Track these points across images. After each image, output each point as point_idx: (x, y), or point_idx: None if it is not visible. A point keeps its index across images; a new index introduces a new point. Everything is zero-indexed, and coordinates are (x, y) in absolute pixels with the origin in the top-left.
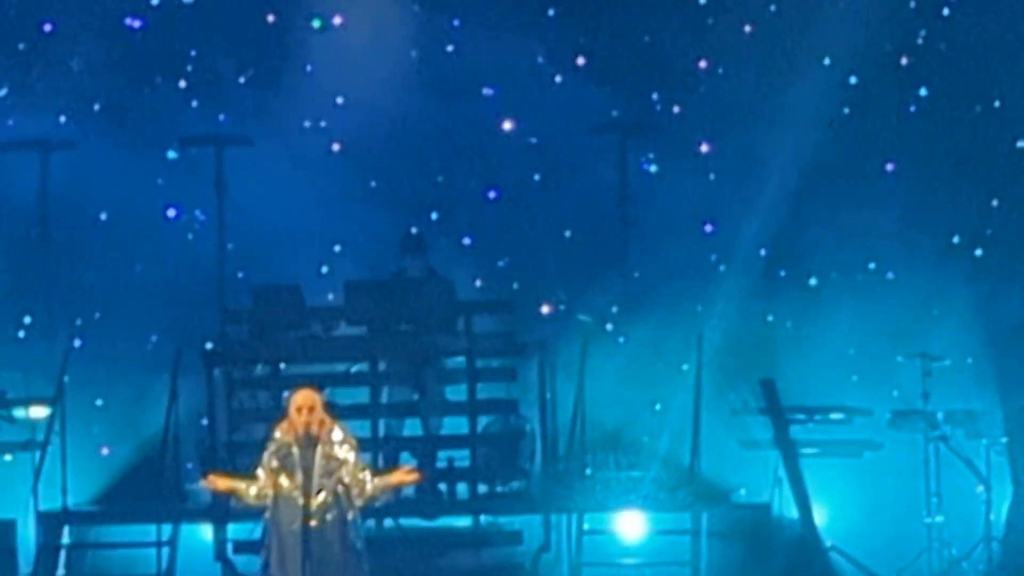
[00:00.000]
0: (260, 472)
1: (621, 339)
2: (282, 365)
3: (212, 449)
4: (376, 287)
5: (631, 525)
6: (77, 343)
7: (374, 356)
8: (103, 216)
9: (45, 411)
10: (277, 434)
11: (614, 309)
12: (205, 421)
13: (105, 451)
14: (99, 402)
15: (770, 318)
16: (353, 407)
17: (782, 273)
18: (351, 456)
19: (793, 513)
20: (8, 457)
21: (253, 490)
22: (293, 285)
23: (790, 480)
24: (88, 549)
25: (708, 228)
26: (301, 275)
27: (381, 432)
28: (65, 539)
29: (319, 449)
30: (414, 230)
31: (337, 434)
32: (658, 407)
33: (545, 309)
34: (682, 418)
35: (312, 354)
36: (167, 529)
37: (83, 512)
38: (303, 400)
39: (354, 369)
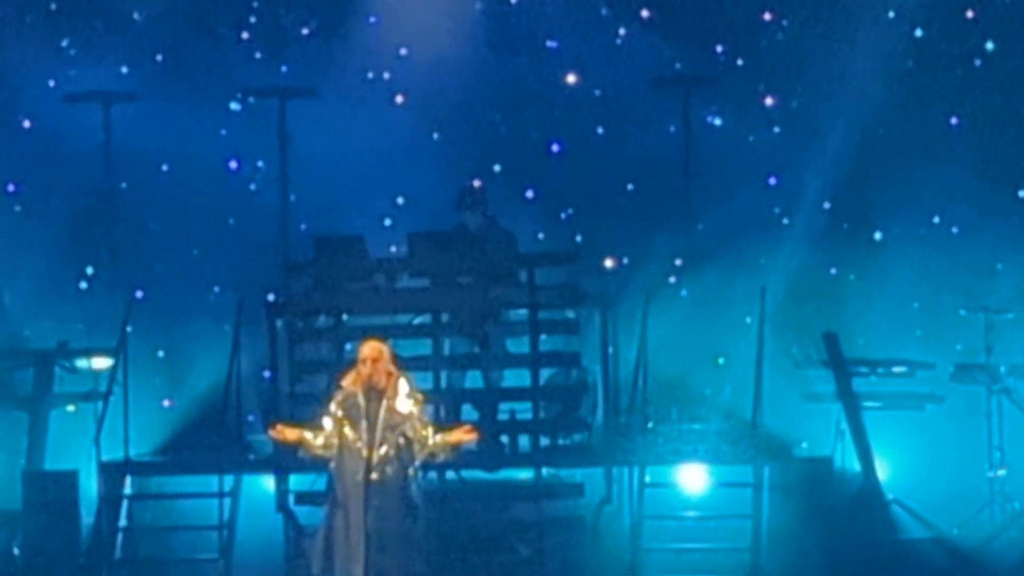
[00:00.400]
0: (326, 421)
1: (684, 292)
2: (345, 316)
3: (274, 400)
4: (439, 239)
5: (693, 478)
6: (139, 294)
7: (436, 308)
8: (165, 167)
9: (107, 362)
10: (344, 383)
11: (677, 262)
12: (267, 373)
13: (167, 403)
14: (161, 353)
15: (833, 271)
16: (415, 359)
17: (845, 226)
18: (416, 410)
19: (855, 466)
20: (71, 408)
21: (320, 440)
22: (356, 236)
23: (852, 433)
24: (150, 499)
25: (772, 181)
26: (364, 227)
27: (443, 384)
28: (127, 489)
29: (384, 402)
30: (476, 183)
31: (403, 387)
32: (721, 361)
33: (608, 263)
34: (744, 371)
35: (375, 305)
36: (229, 480)
37: (145, 463)
38: (370, 351)
39: (416, 321)
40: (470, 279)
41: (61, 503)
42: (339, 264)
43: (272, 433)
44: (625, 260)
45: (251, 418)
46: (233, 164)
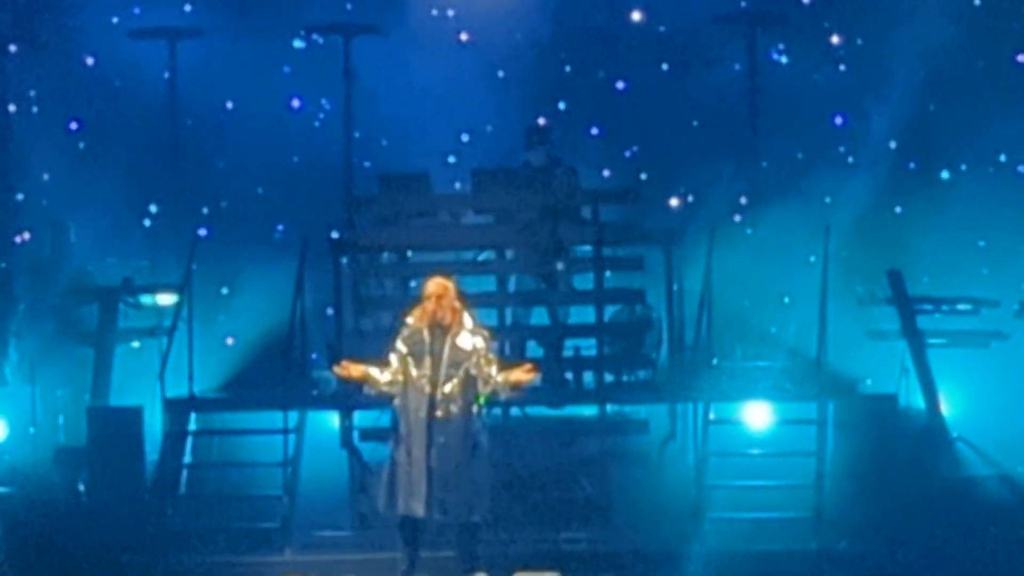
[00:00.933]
0: (392, 357)
1: (748, 230)
2: (409, 253)
3: (338, 337)
4: (504, 175)
5: (757, 415)
6: (203, 232)
7: (501, 244)
8: (229, 105)
9: (172, 298)
10: (409, 320)
11: (742, 200)
12: (331, 311)
13: (230, 341)
14: (225, 291)
15: (898, 210)
16: (480, 295)
17: (912, 165)
18: (481, 347)
19: (920, 403)
20: (135, 344)
21: (386, 376)
22: (421, 173)
23: (917, 371)
24: (215, 436)
25: (838, 120)
26: (428, 164)
27: (508, 321)
28: (192, 426)
29: (448, 338)
30: (541, 121)
31: (468, 323)
32: (786, 300)
33: (674, 203)
34: (809, 309)
35: (439, 242)
36: (293, 416)
37: (210, 399)
38: (435, 287)
39: (481, 257)
40: (534, 215)
41: (126, 439)
42: (404, 200)
43: (337, 370)
44: (690, 198)
45: (315, 356)
46: (296, 102)
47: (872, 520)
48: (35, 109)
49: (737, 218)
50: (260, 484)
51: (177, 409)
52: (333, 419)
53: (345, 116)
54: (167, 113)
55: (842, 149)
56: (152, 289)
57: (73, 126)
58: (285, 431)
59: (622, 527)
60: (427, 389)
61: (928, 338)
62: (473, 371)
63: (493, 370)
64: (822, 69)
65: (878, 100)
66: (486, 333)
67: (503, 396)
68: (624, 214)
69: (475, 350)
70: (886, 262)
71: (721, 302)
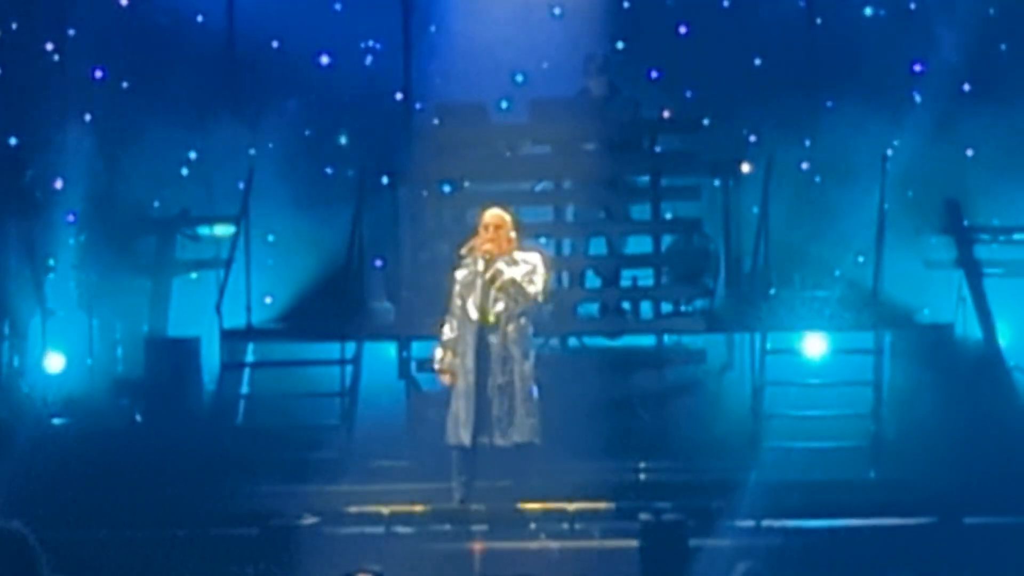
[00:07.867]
0: (455, 299)
1: (814, 175)
2: (466, 183)
3: (397, 269)
4: (561, 105)
5: (814, 345)
6: (241, 182)
7: (559, 175)
8: (275, 44)
9: (229, 229)
10: (464, 251)
11: (806, 143)
12: (379, 262)
13: (268, 300)
14: (271, 238)
15: (969, 153)
16: (537, 225)
17: (982, 106)
18: (529, 269)
19: (977, 333)
20: (193, 275)
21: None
22: (478, 104)
23: (974, 300)
24: (272, 367)
25: (904, 55)
26: (482, 102)
27: (565, 251)
28: (249, 357)
29: (503, 267)
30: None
31: (520, 254)
32: (861, 259)
33: (745, 168)
34: (868, 238)
35: (497, 172)
36: (351, 347)
37: (267, 330)
38: (492, 218)
39: (538, 188)
40: (592, 146)
41: (183, 370)
42: (461, 131)
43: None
44: (752, 138)
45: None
46: (324, 59)
47: (928, 449)
48: (57, 58)
49: (805, 165)
50: (317, 415)
51: (235, 340)
52: (390, 350)
53: (405, 48)
54: (213, 53)
55: (910, 88)
56: (210, 220)
57: (98, 74)
58: (342, 362)
59: (679, 457)
60: (475, 316)
61: (985, 268)
62: (522, 300)
63: (532, 288)
64: (888, 5)
65: (949, 40)
66: (537, 255)
67: (546, 309)
68: (682, 145)
69: (525, 272)
70: (946, 192)
71: (779, 232)
